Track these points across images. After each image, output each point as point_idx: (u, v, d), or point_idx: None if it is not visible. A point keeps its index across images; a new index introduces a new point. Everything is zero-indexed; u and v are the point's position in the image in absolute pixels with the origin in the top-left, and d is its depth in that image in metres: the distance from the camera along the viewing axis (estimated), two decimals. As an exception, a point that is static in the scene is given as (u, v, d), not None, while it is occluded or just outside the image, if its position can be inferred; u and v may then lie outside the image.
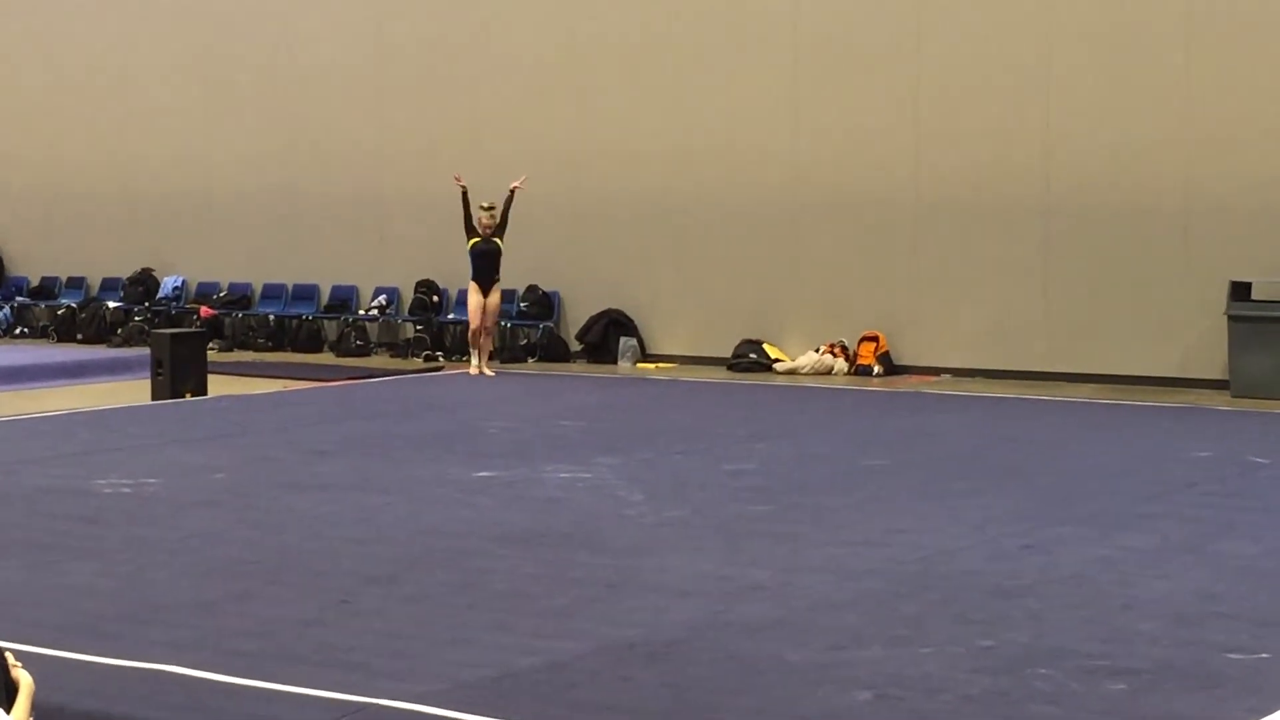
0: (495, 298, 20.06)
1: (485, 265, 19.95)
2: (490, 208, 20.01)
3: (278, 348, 23.84)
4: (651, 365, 21.42)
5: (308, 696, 7.22)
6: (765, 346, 20.81)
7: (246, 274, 24.69)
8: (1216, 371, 18.27)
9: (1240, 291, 17.94)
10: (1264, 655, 7.85)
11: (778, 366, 20.55)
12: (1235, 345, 17.88)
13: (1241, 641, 8.06)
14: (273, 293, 24.52)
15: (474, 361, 20.28)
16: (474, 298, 19.99)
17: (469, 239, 20.06)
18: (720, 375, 20.37)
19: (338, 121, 23.68)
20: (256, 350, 23.80)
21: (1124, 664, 7.67)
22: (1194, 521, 11.00)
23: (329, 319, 24.01)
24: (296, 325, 24.05)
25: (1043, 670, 7.56)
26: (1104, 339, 19.03)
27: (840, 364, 20.29)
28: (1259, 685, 7.36)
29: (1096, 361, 19.02)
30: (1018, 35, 19.34)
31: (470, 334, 20.46)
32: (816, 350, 20.48)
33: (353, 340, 23.39)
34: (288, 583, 9.43)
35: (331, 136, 23.72)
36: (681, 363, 21.36)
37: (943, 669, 7.63)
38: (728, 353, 20.97)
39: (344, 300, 23.98)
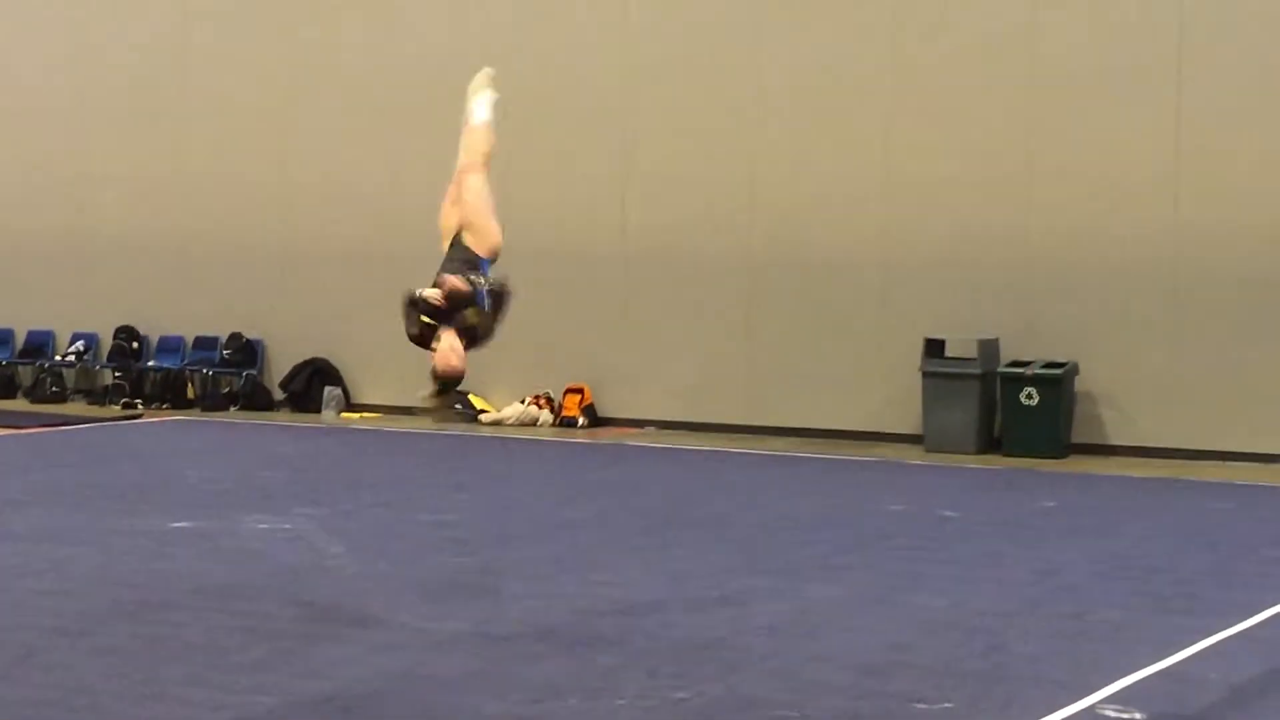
0: None
1: None
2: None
3: (-31, 393, 23.18)
4: (356, 415, 21.25)
5: (-12, 754, 7.05)
6: (471, 397, 20.77)
7: (-63, 317, 23.95)
8: (911, 426, 18.68)
9: (934, 348, 18.41)
10: (948, 705, 8.07)
11: (483, 417, 20.54)
12: (929, 400, 18.34)
13: (926, 692, 8.28)
14: (-35, 336, 23.83)
15: None
16: None
17: None
18: (425, 426, 20.30)
19: (35, 155, 23.04)
20: (-53, 395, 23.11)
21: (812, 713, 7.83)
22: (885, 574, 11.26)
23: (24, 364, 23.37)
24: (-10, 370, 23.41)
25: (734, 721, 7.68)
26: (804, 392, 19.34)
27: (545, 415, 20.35)
28: (941, 734, 7.56)
29: (797, 415, 19.33)
30: (726, 87, 19.57)
31: None
32: (522, 402, 20.52)
33: (49, 386, 22.80)
34: (-29, 636, 9.17)
35: (28, 171, 23.09)
36: (387, 413, 21.21)
37: (636, 721, 7.71)
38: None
39: (40, 345, 23.36)
